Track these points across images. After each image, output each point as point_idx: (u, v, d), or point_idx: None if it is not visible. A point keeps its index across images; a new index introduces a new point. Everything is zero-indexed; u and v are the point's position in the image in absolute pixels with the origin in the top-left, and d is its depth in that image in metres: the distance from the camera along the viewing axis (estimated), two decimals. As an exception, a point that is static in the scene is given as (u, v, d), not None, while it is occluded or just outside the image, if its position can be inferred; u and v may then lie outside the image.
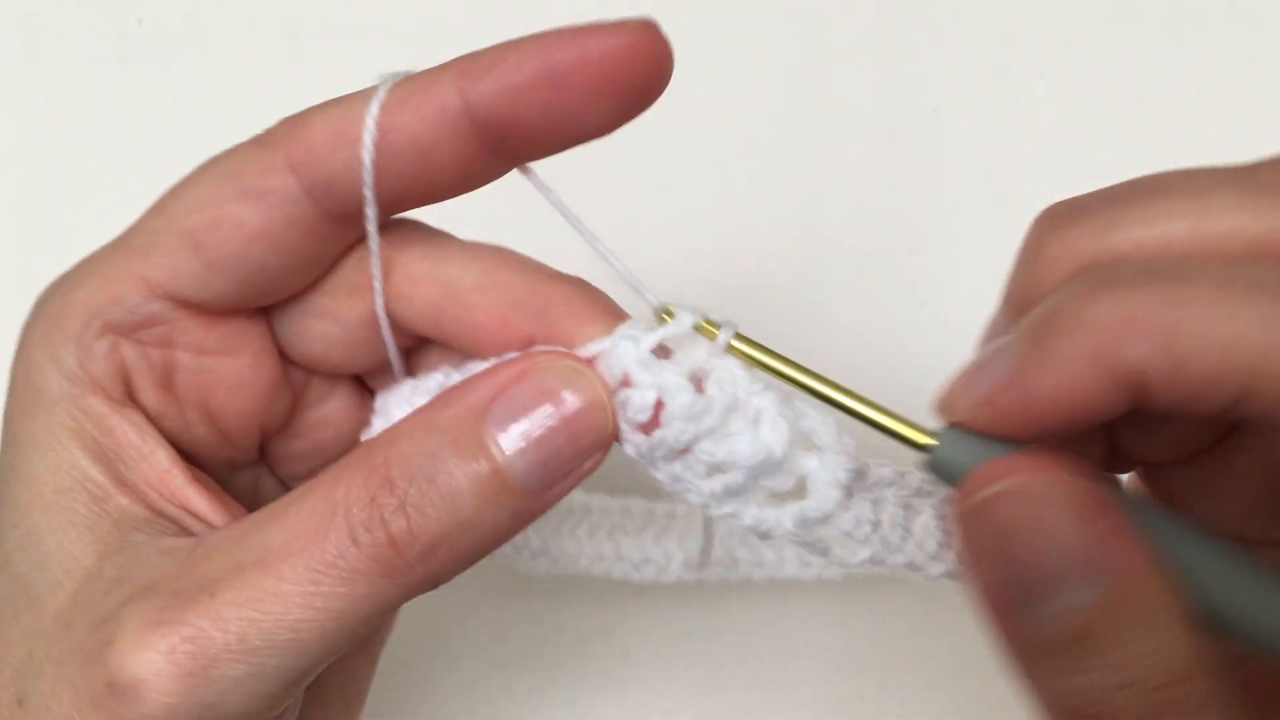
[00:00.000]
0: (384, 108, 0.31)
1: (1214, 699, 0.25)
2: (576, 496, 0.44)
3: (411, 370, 0.36)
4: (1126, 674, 0.25)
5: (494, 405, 0.30)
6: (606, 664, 0.51)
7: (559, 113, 0.30)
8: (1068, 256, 0.28)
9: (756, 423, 0.30)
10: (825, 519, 0.31)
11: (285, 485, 0.39)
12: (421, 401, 0.33)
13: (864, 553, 0.32)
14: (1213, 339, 0.25)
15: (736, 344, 0.31)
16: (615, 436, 0.31)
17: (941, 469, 0.30)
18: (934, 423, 0.30)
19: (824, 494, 0.31)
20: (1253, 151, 0.30)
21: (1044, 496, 0.26)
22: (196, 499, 0.33)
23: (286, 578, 0.29)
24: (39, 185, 0.58)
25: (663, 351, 0.31)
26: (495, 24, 0.59)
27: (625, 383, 0.30)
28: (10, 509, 0.32)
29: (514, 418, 0.30)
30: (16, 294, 0.57)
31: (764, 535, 0.32)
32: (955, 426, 0.29)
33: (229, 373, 0.34)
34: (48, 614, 0.31)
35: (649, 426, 0.30)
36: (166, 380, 0.34)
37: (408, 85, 0.31)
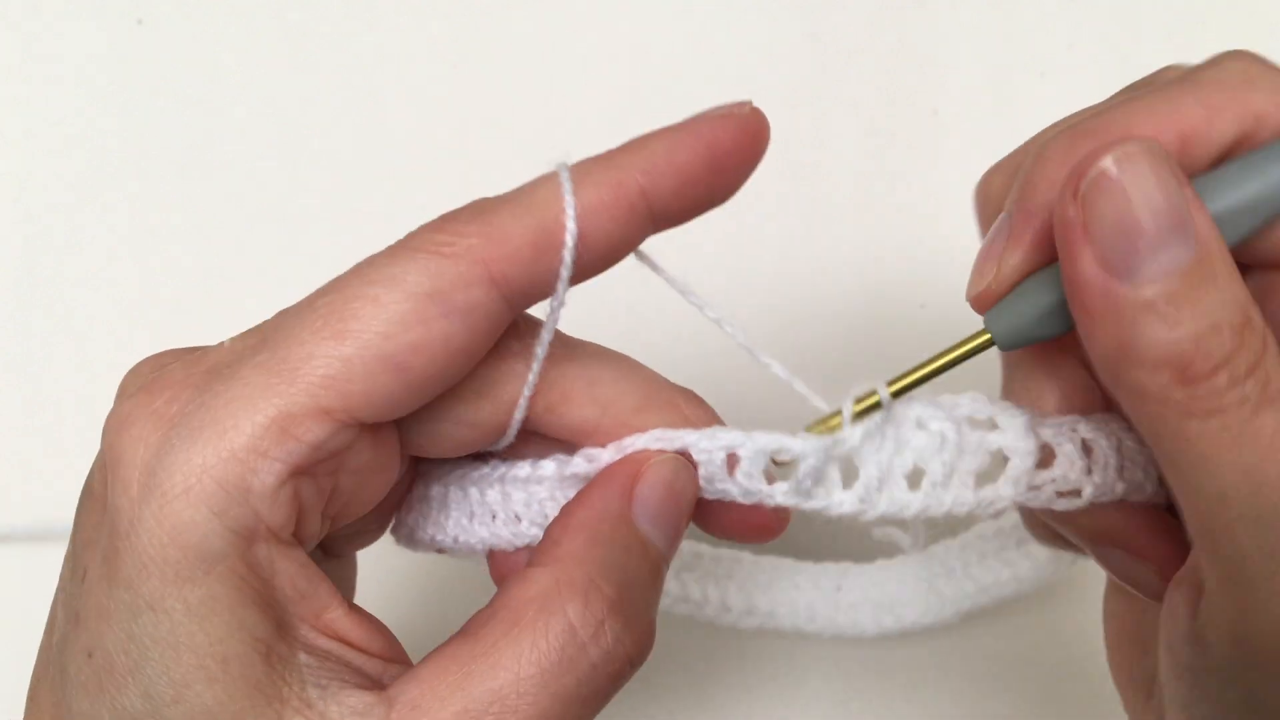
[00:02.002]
0: (580, 208, 0.31)
1: (1266, 330, 0.29)
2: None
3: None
4: (1214, 317, 0.28)
5: (635, 506, 0.32)
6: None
7: (709, 195, 0.33)
8: (1067, 155, 0.31)
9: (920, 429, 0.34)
10: (1031, 472, 0.33)
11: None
12: (567, 494, 0.34)
13: (1091, 484, 0.33)
14: (1142, 123, 0.30)
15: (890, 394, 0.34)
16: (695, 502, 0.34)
17: (1014, 336, 0.32)
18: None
19: (1023, 449, 0.33)
20: (1253, 151, 0.30)
21: (1153, 160, 0.28)
22: (351, 628, 0.31)
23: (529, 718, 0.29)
24: (39, 185, 0.58)
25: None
26: (492, 27, 0.59)
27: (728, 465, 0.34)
28: (162, 684, 0.29)
29: (655, 512, 0.33)
30: (17, 294, 0.57)
31: (993, 512, 0.34)
32: (987, 298, 0.32)
33: (375, 485, 0.33)
34: None
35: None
36: (329, 505, 0.32)
37: (592, 183, 0.32)
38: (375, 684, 0.30)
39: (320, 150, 0.58)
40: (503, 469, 0.35)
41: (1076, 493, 0.33)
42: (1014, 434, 0.33)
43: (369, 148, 0.58)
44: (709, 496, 0.34)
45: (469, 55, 0.59)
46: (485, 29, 0.59)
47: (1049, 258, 0.31)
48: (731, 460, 0.33)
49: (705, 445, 0.34)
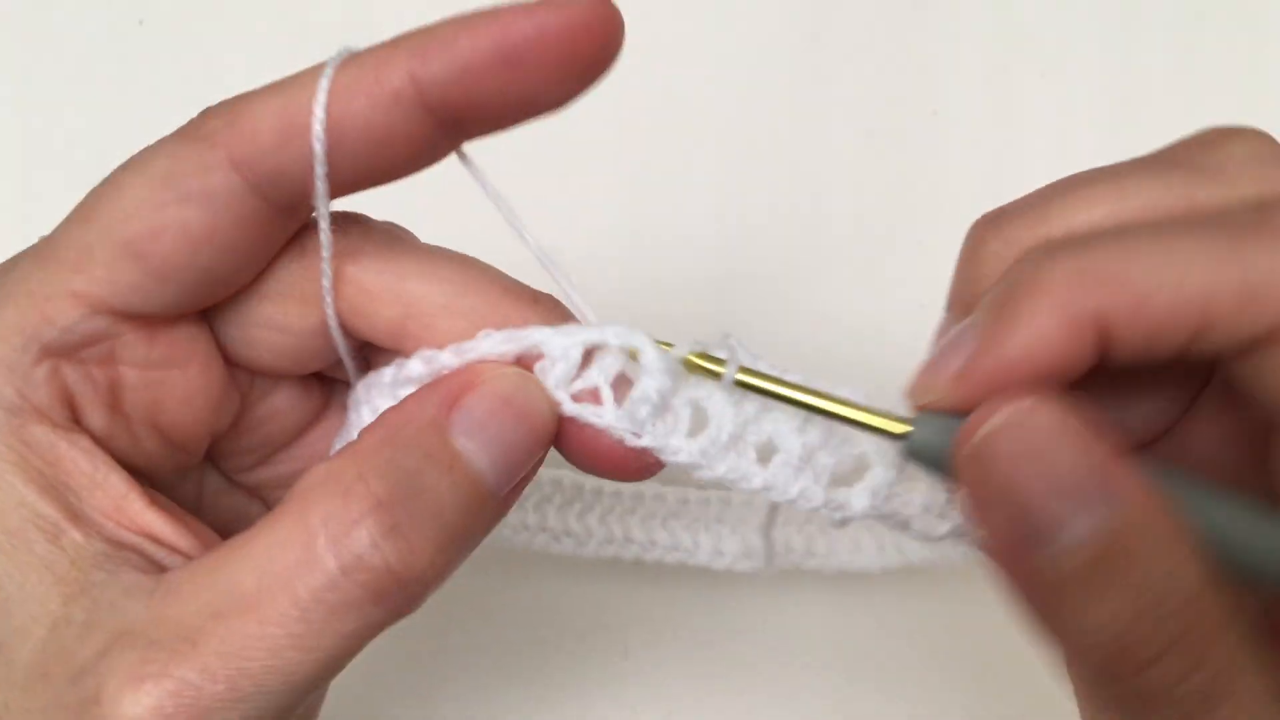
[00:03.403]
0: (333, 93, 0.29)
1: (1232, 616, 0.25)
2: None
3: (367, 365, 0.35)
4: (1146, 597, 0.24)
5: (454, 415, 0.29)
6: (606, 661, 0.51)
7: (514, 92, 0.29)
8: (1006, 249, 0.30)
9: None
10: (892, 486, 0.31)
11: (232, 482, 0.37)
12: (404, 392, 0.32)
13: (944, 526, 0.32)
14: (1166, 276, 0.26)
15: (694, 359, 0.32)
16: (553, 437, 0.31)
17: (922, 454, 0.30)
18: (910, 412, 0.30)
19: (888, 464, 0.31)
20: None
21: (1040, 425, 0.26)
22: (157, 523, 0.31)
23: (270, 620, 0.27)
24: (39, 186, 0.58)
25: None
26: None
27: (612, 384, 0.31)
28: None
29: (478, 426, 0.29)
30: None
31: (840, 519, 0.32)
32: (926, 410, 0.29)
33: (178, 385, 0.32)
34: (19, 664, 0.29)
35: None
36: (113, 400, 0.32)
37: (356, 68, 0.29)
38: (162, 569, 0.30)
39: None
40: (356, 389, 0.34)
41: (940, 519, 0.32)
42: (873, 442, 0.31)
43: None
44: (567, 413, 0.31)
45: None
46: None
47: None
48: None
49: (558, 343, 0.30)
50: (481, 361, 0.31)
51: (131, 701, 0.27)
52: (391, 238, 0.33)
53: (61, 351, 0.30)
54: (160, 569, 0.30)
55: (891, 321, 0.54)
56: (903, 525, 0.32)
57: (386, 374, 0.33)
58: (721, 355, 0.31)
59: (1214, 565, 0.25)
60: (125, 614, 0.29)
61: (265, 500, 0.38)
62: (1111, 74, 0.59)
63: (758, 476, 0.31)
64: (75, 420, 0.31)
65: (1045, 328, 0.27)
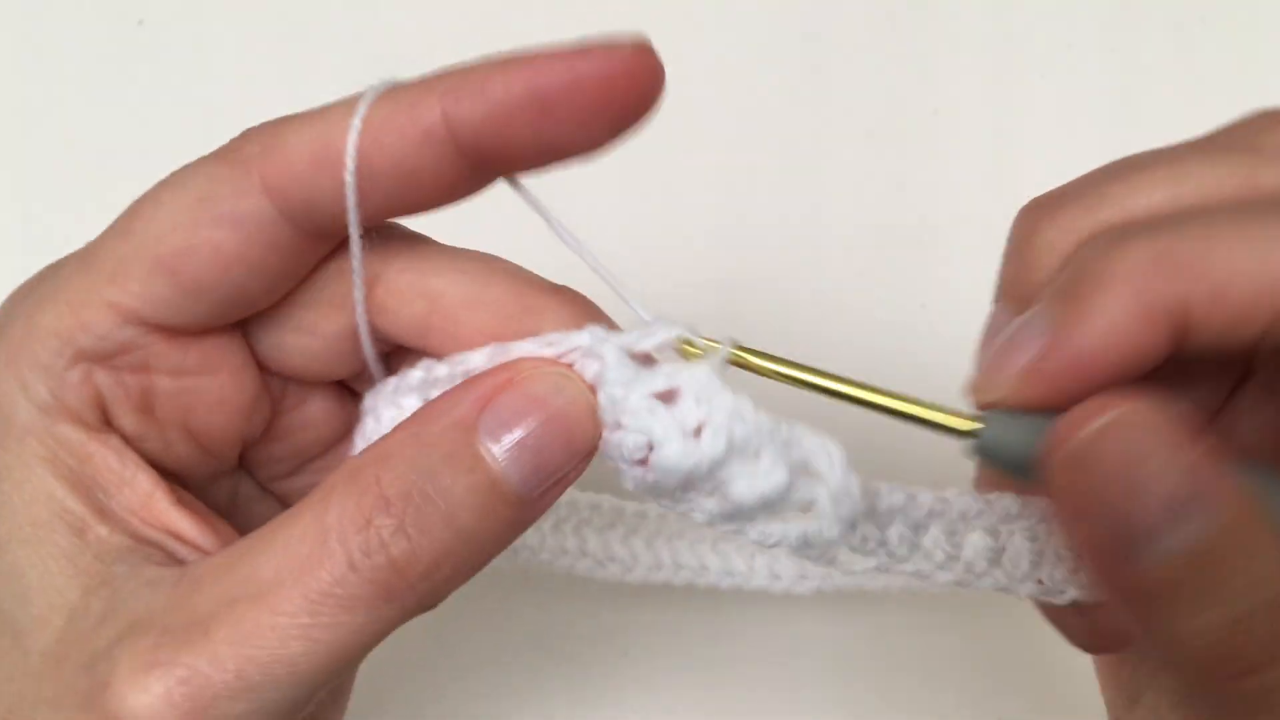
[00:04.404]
0: (366, 126, 0.29)
1: None
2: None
3: (394, 373, 0.35)
4: (1243, 605, 0.24)
5: (483, 415, 0.29)
6: (606, 663, 0.51)
7: (546, 136, 0.29)
8: (1061, 238, 0.29)
9: (756, 459, 0.30)
10: (831, 544, 0.30)
11: (265, 490, 0.38)
12: (407, 400, 0.32)
13: (869, 563, 0.31)
14: (1245, 264, 0.25)
15: (741, 354, 0.30)
16: (599, 442, 0.30)
17: (993, 453, 0.29)
18: (964, 408, 0.29)
19: (829, 524, 0.30)
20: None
21: (1144, 430, 0.25)
22: (181, 522, 0.32)
23: (282, 610, 0.28)
24: (39, 186, 0.58)
25: (649, 360, 0.30)
26: (493, 25, 0.59)
27: (603, 386, 0.30)
28: None
29: (505, 427, 0.29)
30: (17, 294, 0.57)
31: (768, 547, 0.31)
32: (992, 407, 0.28)
33: (209, 391, 0.33)
34: (35, 652, 0.30)
35: (644, 461, 0.30)
36: (145, 404, 0.33)
37: (390, 103, 0.30)
38: (183, 565, 0.31)
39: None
40: (377, 392, 0.34)
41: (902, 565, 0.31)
42: (835, 478, 0.29)
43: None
44: (608, 426, 0.30)
45: (468, 54, 0.59)
46: (484, 29, 0.59)
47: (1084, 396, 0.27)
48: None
49: (597, 350, 0.29)
50: (525, 359, 0.30)
51: (140, 688, 0.27)
52: (417, 241, 0.34)
53: (95, 357, 0.31)
54: (182, 565, 0.31)
55: (891, 321, 0.55)
56: (829, 562, 0.31)
57: (390, 383, 0.33)
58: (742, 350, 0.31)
59: None
60: (144, 604, 0.29)
61: None
62: (1111, 74, 0.59)
63: (705, 509, 0.30)
64: (106, 422, 0.32)
65: (1122, 319, 0.26)
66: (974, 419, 0.29)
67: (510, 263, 0.33)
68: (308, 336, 0.33)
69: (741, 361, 0.31)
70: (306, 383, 0.36)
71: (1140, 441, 0.25)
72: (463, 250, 0.33)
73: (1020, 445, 0.28)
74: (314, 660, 0.28)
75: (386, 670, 0.50)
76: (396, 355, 0.36)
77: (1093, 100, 0.58)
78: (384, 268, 0.32)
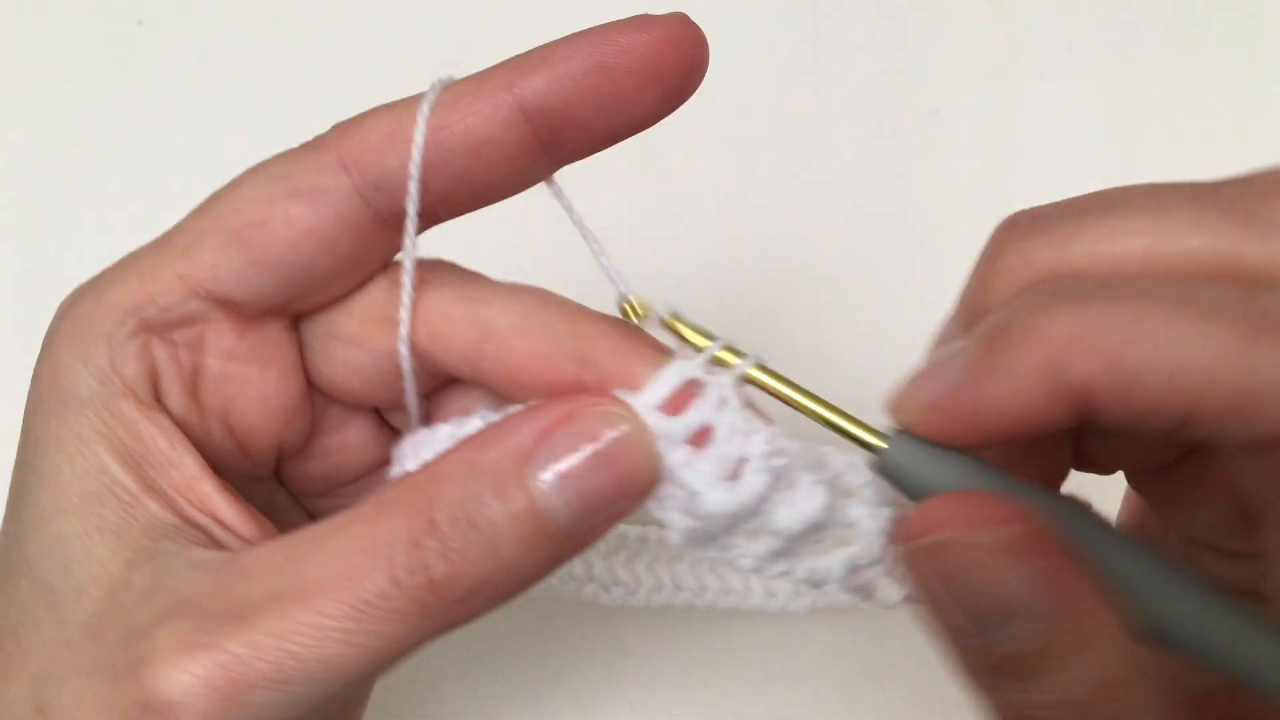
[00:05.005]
0: (436, 108, 0.31)
1: (1149, 706, 0.26)
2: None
3: (430, 414, 0.36)
4: (1064, 694, 0.26)
5: (538, 449, 0.29)
6: (606, 662, 0.51)
7: (609, 102, 0.31)
8: (1023, 268, 0.29)
9: (793, 487, 0.30)
10: (874, 563, 0.31)
11: (299, 504, 0.38)
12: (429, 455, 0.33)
13: (904, 592, 0.32)
14: (1160, 361, 0.25)
15: (754, 373, 0.31)
16: (657, 485, 0.31)
17: (889, 472, 0.30)
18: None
19: (871, 541, 0.31)
20: (1251, 153, 0.30)
21: (981, 545, 0.26)
22: (225, 508, 0.32)
23: (326, 613, 0.28)
24: (39, 185, 0.58)
25: (695, 386, 0.31)
26: (496, 24, 0.59)
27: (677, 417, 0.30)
28: (32, 513, 0.31)
29: (557, 461, 0.29)
30: (17, 294, 0.57)
31: (817, 585, 0.32)
32: (904, 430, 0.30)
33: (254, 385, 0.34)
34: (72, 622, 0.30)
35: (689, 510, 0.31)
36: (193, 386, 0.33)
37: (458, 85, 0.32)
38: (225, 551, 0.32)
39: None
40: (425, 434, 0.34)
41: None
42: (870, 521, 0.31)
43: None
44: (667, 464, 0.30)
45: (469, 54, 0.58)
46: (484, 27, 0.59)
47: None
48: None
49: (658, 390, 0.30)
50: (588, 396, 0.31)
51: (179, 668, 0.28)
52: (470, 275, 0.35)
53: (156, 328, 0.32)
54: (224, 550, 0.31)
55: (891, 321, 0.55)
56: (868, 595, 0.32)
57: (443, 431, 0.34)
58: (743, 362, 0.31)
59: (1143, 650, 0.27)
60: (190, 584, 0.30)
61: None
62: (1111, 74, 0.59)
63: (752, 554, 0.31)
64: (157, 399, 0.33)
65: (1026, 384, 0.26)
66: (883, 438, 0.30)
67: (559, 296, 0.34)
68: (356, 349, 0.34)
69: (720, 361, 0.31)
70: (347, 405, 0.37)
71: (974, 556, 0.27)
72: (514, 284, 0.34)
73: (917, 472, 0.29)
74: (349, 664, 0.28)
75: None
76: (437, 397, 0.36)
77: (1093, 100, 0.58)
78: (437, 296, 0.33)
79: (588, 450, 0.29)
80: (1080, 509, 0.30)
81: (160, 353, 0.33)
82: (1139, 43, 0.59)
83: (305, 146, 0.33)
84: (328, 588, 0.29)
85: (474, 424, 0.33)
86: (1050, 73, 0.58)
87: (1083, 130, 0.58)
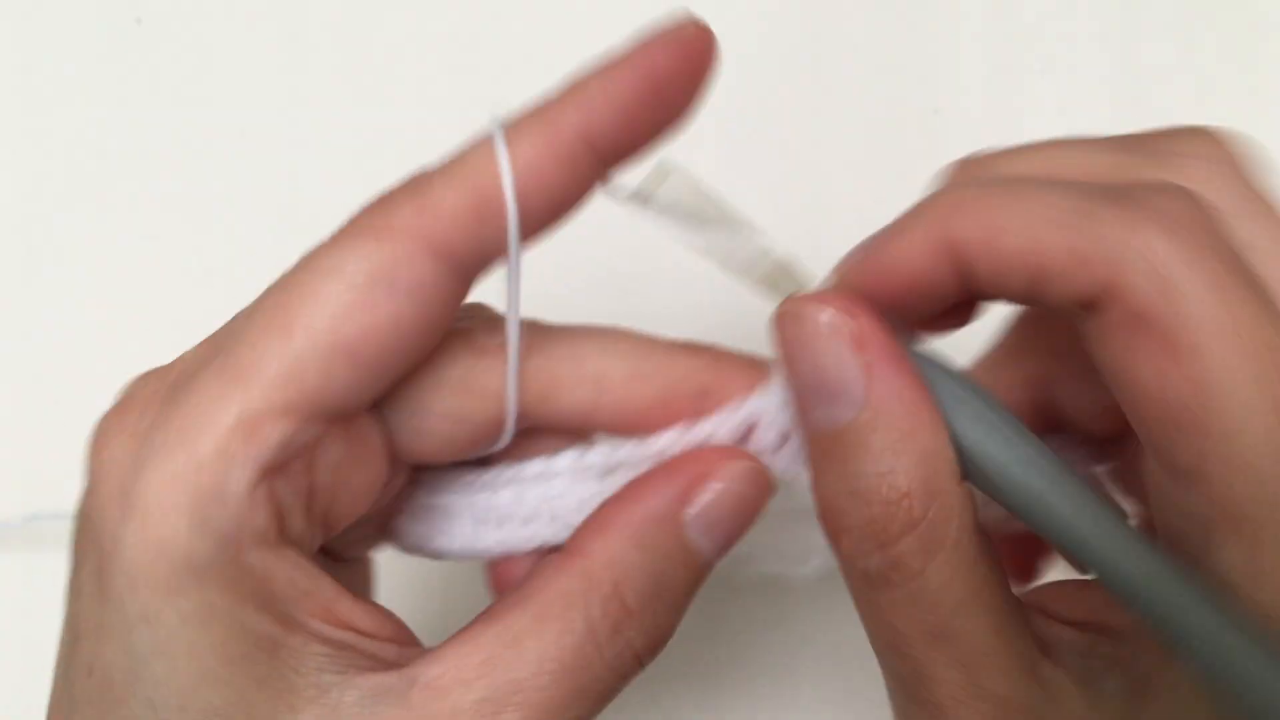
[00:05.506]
0: (513, 163, 0.30)
1: (965, 526, 0.29)
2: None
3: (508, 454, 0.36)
4: (859, 484, 0.29)
5: (689, 511, 0.32)
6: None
7: (662, 120, 0.32)
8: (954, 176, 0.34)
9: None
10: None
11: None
12: (585, 488, 0.34)
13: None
14: (1020, 220, 0.29)
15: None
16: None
17: None
18: None
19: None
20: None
21: (816, 323, 0.30)
22: (362, 617, 0.31)
23: (548, 710, 0.30)
24: (38, 185, 0.58)
25: None
26: (496, 24, 0.59)
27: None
28: (166, 692, 0.28)
29: (713, 525, 0.32)
30: (16, 294, 0.57)
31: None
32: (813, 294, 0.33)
33: (357, 481, 0.32)
34: None
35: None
36: (309, 507, 0.31)
37: (528, 132, 0.30)
38: (392, 666, 0.30)
39: (321, 150, 0.58)
40: (513, 469, 0.35)
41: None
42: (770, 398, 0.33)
43: (370, 148, 0.57)
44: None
45: (470, 54, 0.59)
46: (485, 28, 0.59)
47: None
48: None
49: (770, 408, 0.33)
50: (710, 450, 0.33)
51: None
52: (540, 327, 0.34)
53: (274, 468, 0.29)
54: (380, 662, 0.30)
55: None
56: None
57: (535, 465, 0.35)
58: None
59: (958, 472, 0.29)
60: (379, 717, 0.29)
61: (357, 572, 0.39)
62: (1111, 73, 0.59)
63: None
64: (283, 533, 0.30)
65: (912, 246, 0.30)
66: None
67: (633, 329, 0.34)
68: (454, 424, 0.33)
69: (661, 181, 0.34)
70: (429, 465, 0.35)
71: (810, 332, 0.30)
72: (583, 328, 0.34)
73: None
74: None
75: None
76: (518, 441, 0.35)
77: (1093, 100, 0.58)
78: (541, 357, 0.33)
79: (738, 510, 0.33)
80: (945, 367, 0.32)
81: (282, 488, 0.30)
82: (1140, 42, 0.59)
83: (373, 235, 0.30)
84: (545, 689, 0.30)
85: (594, 459, 0.34)
86: (1050, 73, 0.59)
87: (1083, 130, 0.57)
